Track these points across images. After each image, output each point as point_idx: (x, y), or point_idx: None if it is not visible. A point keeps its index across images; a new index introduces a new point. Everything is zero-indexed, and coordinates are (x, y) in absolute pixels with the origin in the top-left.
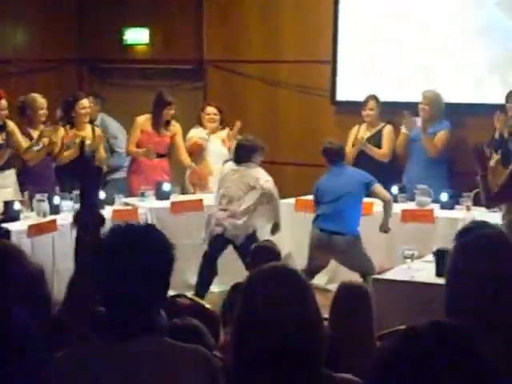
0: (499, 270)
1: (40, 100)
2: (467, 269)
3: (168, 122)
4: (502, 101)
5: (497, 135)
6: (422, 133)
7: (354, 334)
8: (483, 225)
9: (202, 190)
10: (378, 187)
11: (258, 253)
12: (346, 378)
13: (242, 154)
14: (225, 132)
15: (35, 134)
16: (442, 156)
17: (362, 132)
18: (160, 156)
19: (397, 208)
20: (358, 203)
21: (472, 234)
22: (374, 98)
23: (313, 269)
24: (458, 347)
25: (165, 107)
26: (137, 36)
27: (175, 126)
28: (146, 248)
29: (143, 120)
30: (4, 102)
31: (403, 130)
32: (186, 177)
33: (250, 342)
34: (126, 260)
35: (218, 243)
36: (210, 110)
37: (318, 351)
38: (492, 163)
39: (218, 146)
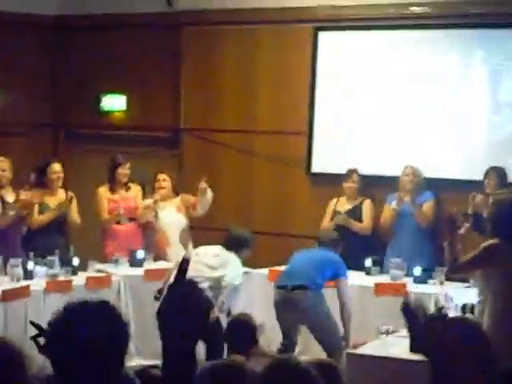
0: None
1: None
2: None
3: (126, 185)
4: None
5: (470, 211)
6: (412, 204)
7: None
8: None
9: (160, 258)
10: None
11: (234, 327)
12: None
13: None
14: (178, 199)
15: (8, 197)
16: (430, 229)
17: (341, 205)
18: (131, 219)
19: (370, 281)
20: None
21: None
22: (355, 171)
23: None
24: None
25: (116, 168)
26: (114, 102)
27: (135, 188)
28: (99, 325)
29: (104, 189)
30: None
31: (393, 205)
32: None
33: None
34: (79, 337)
35: None
36: (159, 176)
37: None
38: (462, 231)
39: (171, 212)
